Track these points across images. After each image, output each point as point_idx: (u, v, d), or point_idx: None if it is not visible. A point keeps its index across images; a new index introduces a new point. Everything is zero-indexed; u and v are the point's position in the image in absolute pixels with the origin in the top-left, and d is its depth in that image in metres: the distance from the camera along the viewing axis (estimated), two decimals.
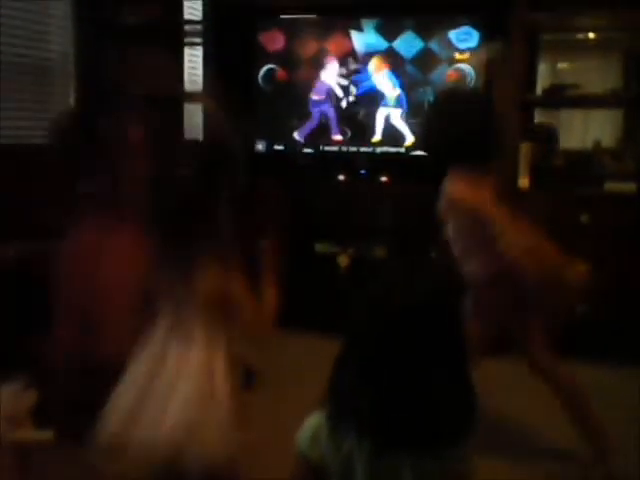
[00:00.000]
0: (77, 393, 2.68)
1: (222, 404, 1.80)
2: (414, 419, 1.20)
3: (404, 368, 1.21)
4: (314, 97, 4.27)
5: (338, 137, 4.25)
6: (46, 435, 2.26)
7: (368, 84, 4.17)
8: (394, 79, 4.11)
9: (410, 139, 4.10)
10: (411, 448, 1.22)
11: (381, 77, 4.14)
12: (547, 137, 4.03)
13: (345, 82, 4.21)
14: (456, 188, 2.34)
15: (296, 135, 4.31)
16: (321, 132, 4.28)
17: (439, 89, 3.99)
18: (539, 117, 4.20)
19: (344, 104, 4.23)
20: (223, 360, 1.85)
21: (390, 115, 4.15)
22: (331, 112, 4.25)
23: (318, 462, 1.33)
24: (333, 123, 4.26)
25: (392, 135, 4.16)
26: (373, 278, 1.34)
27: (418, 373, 1.21)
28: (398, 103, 4.13)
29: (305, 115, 4.29)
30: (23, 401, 2.33)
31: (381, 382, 1.21)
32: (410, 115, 4.10)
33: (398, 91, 4.11)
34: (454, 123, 2.34)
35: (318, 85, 4.26)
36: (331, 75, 4.22)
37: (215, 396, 1.81)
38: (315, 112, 4.28)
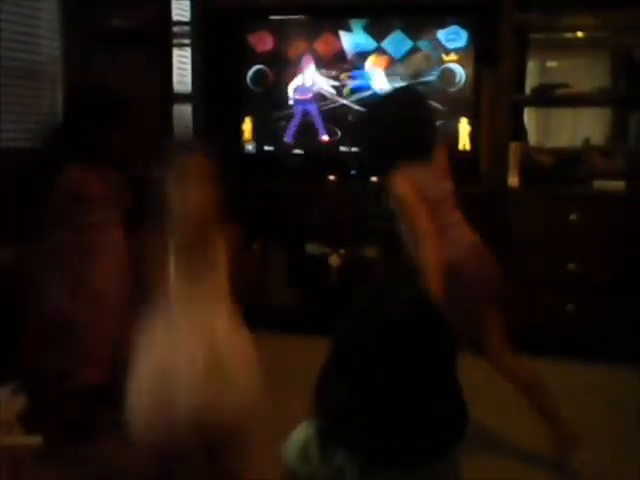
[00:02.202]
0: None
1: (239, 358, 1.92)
2: (405, 433, 1.19)
3: (393, 380, 1.19)
4: (296, 96, 4.27)
5: (326, 137, 4.25)
6: (35, 440, 2.25)
7: (359, 84, 4.17)
8: (386, 78, 4.12)
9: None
10: (403, 462, 1.20)
11: (376, 77, 4.14)
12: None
13: (335, 82, 4.21)
14: (396, 183, 2.38)
15: (285, 136, 4.31)
16: (307, 132, 4.28)
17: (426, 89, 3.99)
18: (528, 116, 4.21)
19: (333, 104, 4.23)
20: (227, 315, 1.96)
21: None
22: (315, 111, 4.25)
23: (307, 477, 1.31)
24: (319, 123, 4.25)
25: None
26: (359, 291, 1.33)
27: (407, 385, 1.19)
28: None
29: (294, 115, 4.28)
30: (12, 406, 2.32)
31: (370, 396, 1.20)
32: None
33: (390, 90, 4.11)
34: (378, 124, 2.39)
35: (300, 84, 4.25)
36: (316, 74, 4.22)
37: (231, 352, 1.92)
38: (297, 110, 4.27)
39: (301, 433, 1.35)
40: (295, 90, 4.27)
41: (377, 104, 2.54)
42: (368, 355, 1.21)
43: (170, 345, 1.91)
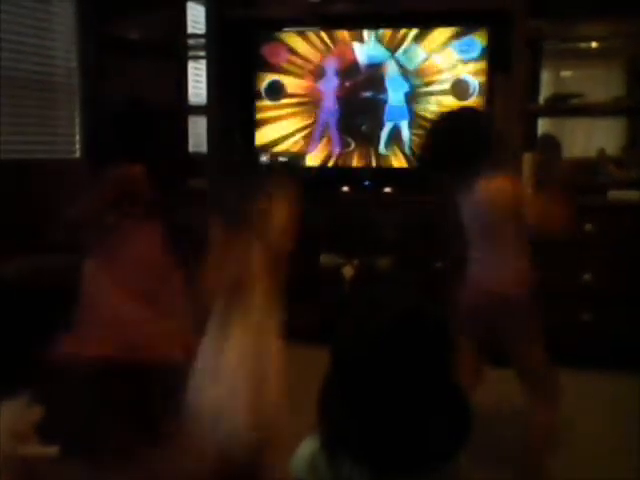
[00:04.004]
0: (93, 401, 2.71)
1: (275, 385, 1.99)
2: (409, 441, 1.19)
3: (392, 390, 1.20)
4: (317, 109, 4.28)
5: (342, 149, 4.26)
6: (51, 451, 2.26)
7: (372, 95, 4.18)
8: (400, 89, 4.13)
9: (414, 150, 4.11)
10: (408, 469, 1.21)
11: (387, 87, 4.15)
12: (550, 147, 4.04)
13: (348, 93, 4.22)
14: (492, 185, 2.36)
15: (305, 147, 4.32)
16: (325, 143, 4.29)
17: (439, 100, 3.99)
18: (542, 126, 4.20)
19: (347, 115, 4.24)
20: (274, 341, 2.05)
21: (394, 126, 4.16)
22: (333, 123, 4.26)
23: None
24: (335, 135, 4.27)
25: (396, 146, 4.17)
26: (356, 300, 1.34)
27: (407, 394, 1.19)
28: (403, 114, 4.14)
29: (309, 127, 4.30)
30: (27, 416, 2.34)
31: (370, 406, 1.20)
32: (413, 126, 4.11)
33: (403, 102, 4.12)
34: (452, 138, 2.38)
35: (320, 97, 4.27)
36: (332, 86, 4.23)
37: (269, 377, 2.00)
38: (320, 124, 4.29)
39: (308, 445, 1.35)
40: (316, 103, 4.30)
41: (446, 122, 2.55)
42: (366, 363, 1.22)
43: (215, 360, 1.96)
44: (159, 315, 2.77)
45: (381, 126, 4.20)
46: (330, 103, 4.26)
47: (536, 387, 2.37)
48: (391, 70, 4.13)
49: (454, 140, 2.37)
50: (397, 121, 4.16)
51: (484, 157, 2.38)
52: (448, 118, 2.54)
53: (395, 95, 4.14)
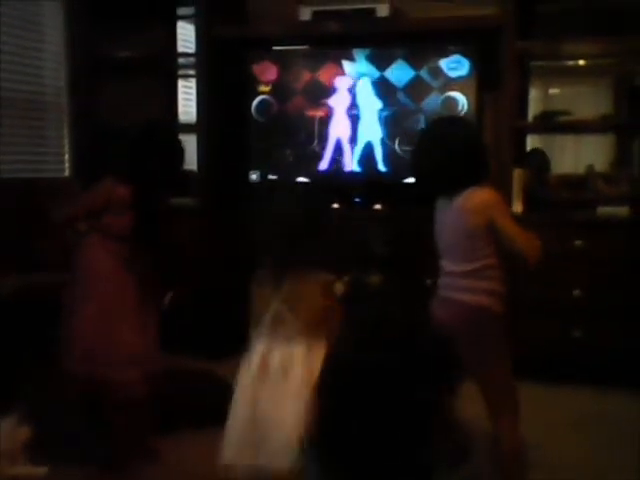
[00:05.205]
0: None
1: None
2: (404, 465, 1.16)
3: (390, 410, 1.17)
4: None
5: (330, 166, 4.27)
6: (40, 470, 2.24)
7: (356, 112, 4.21)
8: (378, 104, 4.16)
9: (400, 166, 4.12)
10: None
11: (364, 102, 4.19)
12: (539, 163, 4.06)
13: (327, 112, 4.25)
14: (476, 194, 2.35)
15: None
16: (311, 160, 4.31)
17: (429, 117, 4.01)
18: (531, 143, 4.22)
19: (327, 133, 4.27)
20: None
21: (375, 141, 4.18)
22: (322, 140, 4.29)
23: None
24: (322, 151, 4.28)
25: (386, 163, 4.18)
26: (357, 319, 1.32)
27: (394, 424, 1.16)
28: (377, 130, 4.17)
29: (298, 145, 4.31)
30: (18, 436, 2.32)
31: (366, 424, 1.17)
32: (403, 143, 4.12)
33: (377, 118, 4.17)
34: (443, 149, 2.36)
35: (308, 114, 4.29)
36: (319, 104, 4.26)
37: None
38: (309, 141, 4.30)
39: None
40: (301, 119, 4.31)
41: (441, 128, 2.53)
42: (350, 392, 1.19)
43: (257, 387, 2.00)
44: (122, 332, 2.77)
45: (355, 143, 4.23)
46: (316, 121, 4.28)
47: (503, 403, 2.34)
48: (366, 87, 4.16)
49: (456, 149, 2.35)
50: (372, 138, 4.20)
51: (483, 167, 2.38)
52: (445, 126, 2.54)
53: (369, 112, 4.17)
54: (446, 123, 2.61)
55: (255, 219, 2.19)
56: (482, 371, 2.29)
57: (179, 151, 3.08)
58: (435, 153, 2.37)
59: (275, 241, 2.10)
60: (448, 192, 2.37)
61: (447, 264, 2.40)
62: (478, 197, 2.33)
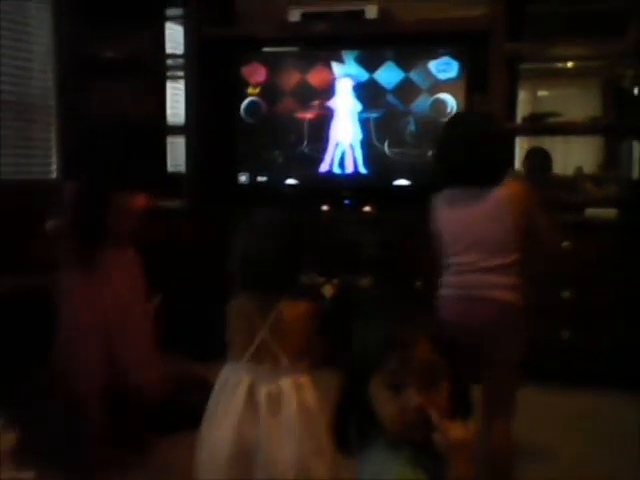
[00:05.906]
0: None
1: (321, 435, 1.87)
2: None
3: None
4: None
5: (320, 167, 4.26)
6: (28, 475, 2.22)
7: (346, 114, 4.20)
8: (367, 106, 4.16)
9: (390, 168, 4.13)
10: None
11: (353, 103, 4.19)
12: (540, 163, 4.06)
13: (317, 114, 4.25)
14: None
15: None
16: (301, 162, 4.30)
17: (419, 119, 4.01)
18: (521, 145, 4.23)
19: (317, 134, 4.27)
20: (311, 388, 1.95)
21: (364, 142, 4.18)
22: (310, 142, 4.28)
23: None
24: (315, 154, 4.27)
25: (375, 165, 4.18)
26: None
27: None
28: (369, 130, 4.17)
29: (288, 146, 4.30)
30: (5, 440, 2.29)
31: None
32: (393, 145, 4.12)
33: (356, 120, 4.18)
34: (489, 141, 2.35)
35: (297, 116, 4.28)
36: (308, 106, 4.26)
37: (313, 428, 1.89)
38: (297, 143, 4.30)
39: None
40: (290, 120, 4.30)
41: (479, 122, 2.51)
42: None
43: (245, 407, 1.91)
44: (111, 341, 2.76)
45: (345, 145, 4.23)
46: (305, 123, 4.27)
47: (504, 405, 2.33)
48: (355, 89, 4.17)
49: (489, 144, 2.35)
50: (361, 140, 4.20)
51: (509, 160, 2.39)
52: (482, 120, 2.54)
53: (358, 114, 4.17)
54: (479, 117, 2.61)
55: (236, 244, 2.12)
56: (500, 371, 2.30)
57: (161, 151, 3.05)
58: (481, 145, 2.33)
59: (259, 272, 2.03)
60: (484, 184, 2.31)
61: (470, 259, 2.31)
62: (517, 187, 2.33)
